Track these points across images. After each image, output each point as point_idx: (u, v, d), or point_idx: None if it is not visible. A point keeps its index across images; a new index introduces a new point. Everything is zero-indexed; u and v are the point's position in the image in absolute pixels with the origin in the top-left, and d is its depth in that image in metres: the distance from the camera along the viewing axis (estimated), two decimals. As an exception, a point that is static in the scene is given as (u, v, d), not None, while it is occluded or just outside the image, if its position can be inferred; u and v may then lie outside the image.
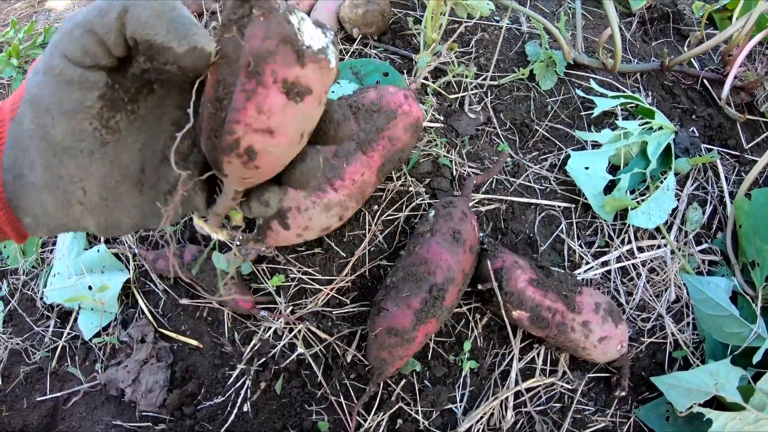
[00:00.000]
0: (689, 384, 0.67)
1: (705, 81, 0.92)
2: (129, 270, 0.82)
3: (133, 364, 0.77)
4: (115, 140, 0.35)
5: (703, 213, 0.81)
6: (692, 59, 0.94)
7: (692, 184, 0.82)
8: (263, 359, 0.72)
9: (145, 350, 0.78)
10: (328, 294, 0.71)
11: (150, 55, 0.31)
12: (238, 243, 0.63)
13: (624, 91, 0.86)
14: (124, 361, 0.78)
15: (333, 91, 0.81)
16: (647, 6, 0.97)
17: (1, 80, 1.23)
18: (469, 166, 0.76)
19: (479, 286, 0.66)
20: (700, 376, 0.67)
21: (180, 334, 0.78)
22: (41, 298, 0.83)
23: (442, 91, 0.81)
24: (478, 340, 0.70)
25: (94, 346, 0.79)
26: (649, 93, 0.88)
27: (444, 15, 0.78)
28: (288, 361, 0.70)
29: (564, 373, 0.69)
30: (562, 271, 0.71)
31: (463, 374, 0.68)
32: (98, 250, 0.80)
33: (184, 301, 0.77)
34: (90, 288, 0.80)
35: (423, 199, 0.73)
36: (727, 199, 0.83)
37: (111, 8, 0.31)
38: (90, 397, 0.78)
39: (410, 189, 0.74)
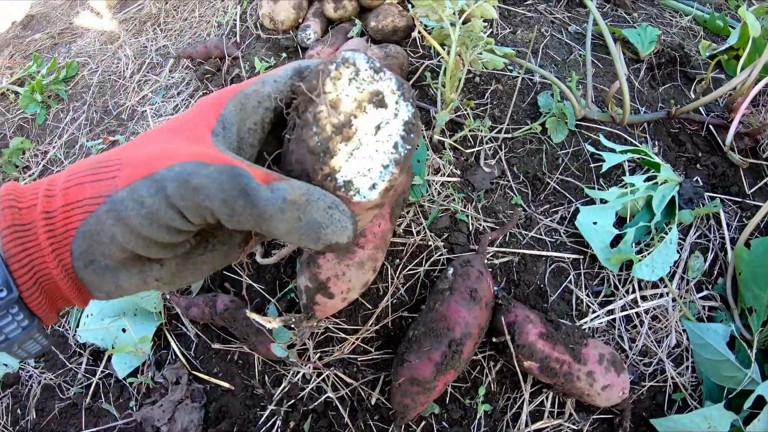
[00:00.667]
0: (685, 427, 0.73)
1: (710, 126, 0.96)
2: (161, 314, 0.88)
3: (168, 404, 0.83)
4: (187, 258, 0.41)
5: (705, 260, 0.86)
6: (698, 104, 0.97)
7: (695, 233, 0.87)
8: (292, 401, 0.78)
9: (180, 391, 0.84)
10: (353, 343, 0.77)
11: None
12: (292, 326, 0.69)
13: (632, 142, 0.90)
14: (159, 400, 0.84)
15: None
16: (655, 51, 1.00)
17: (24, 115, 1.28)
18: (485, 221, 0.81)
19: (494, 339, 0.72)
20: (695, 420, 0.73)
21: (212, 376, 0.85)
22: (73, 336, 0.89)
23: (459, 146, 0.86)
24: (492, 385, 0.76)
25: (128, 384, 0.86)
26: (656, 142, 0.92)
27: (462, 75, 0.82)
28: (316, 403, 0.77)
29: (570, 414, 0.75)
30: (570, 323, 0.76)
31: (478, 416, 0.75)
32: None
33: (216, 346, 0.83)
34: (124, 330, 0.86)
35: (441, 254, 0.79)
36: (728, 245, 0.87)
37: (243, 212, 0.34)
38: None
39: (429, 243, 0.79)
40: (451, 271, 0.71)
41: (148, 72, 1.21)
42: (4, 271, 0.34)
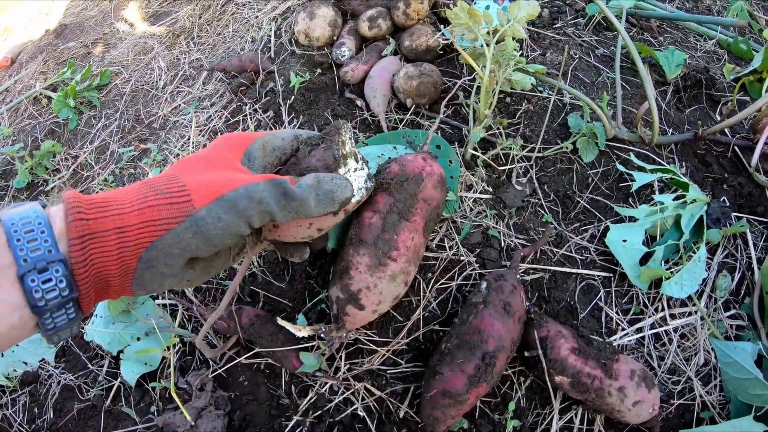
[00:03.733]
0: None
1: (736, 148, 0.98)
2: (183, 322, 0.88)
3: (191, 410, 0.83)
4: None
5: (732, 279, 0.87)
6: (724, 127, 0.99)
7: (722, 253, 0.88)
8: (318, 412, 0.79)
9: (204, 398, 0.84)
10: (384, 355, 0.78)
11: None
12: (322, 335, 0.70)
13: (660, 163, 0.92)
14: (179, 408, 0.84)
15: (382, 154, 0.87)
16: (681, 74, 1.02)
17: (56, 120, 1.31)
18: (516, 237, 0.83)
19: (525, 353, 0.73)
20: (724, 430, 0.74)
21: (238, 384, 0.85)
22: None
23: (492, 163, 0.88)
24: (521, 401, 0.77)
25: (150, 389, 0.86)
26: (683, 163, 0.94)
27: (495, 92, 0.84)
28: (343, 415, 0.78)
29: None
30: (601, 339, 0.77)
31: (507, 430, 0.75)
32: (143, 302, 0.86)
33: (242, 359, 0.84)
34: (138, 339, 0.86)
35: (474, 269, 0.80)
36: (755, 265, 0.88)
37: (288, 205, 0.51)
38: (144, 436, 0.84)
39: (462, 258, 0.81)
40: (484, 285, 0.72)
41: (180, 83, 1.24)
42: (69, 275, 0.41)
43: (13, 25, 1.86)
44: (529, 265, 0.82)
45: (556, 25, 1.12)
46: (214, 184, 0.48)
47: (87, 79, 1.33)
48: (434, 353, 0.71)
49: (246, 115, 1.05)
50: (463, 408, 0.69)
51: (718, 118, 1.02)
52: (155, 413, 0.86)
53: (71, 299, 0.42)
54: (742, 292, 0.88)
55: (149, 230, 0.44)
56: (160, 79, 1.28)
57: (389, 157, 0.88)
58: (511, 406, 0.75)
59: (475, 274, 0.80)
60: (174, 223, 0.45)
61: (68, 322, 0.43)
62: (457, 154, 0.87)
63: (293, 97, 1.00)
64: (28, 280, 0.39)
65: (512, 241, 0.83)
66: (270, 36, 1.17)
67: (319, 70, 1.06)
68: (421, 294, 0.80)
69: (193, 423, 0.83)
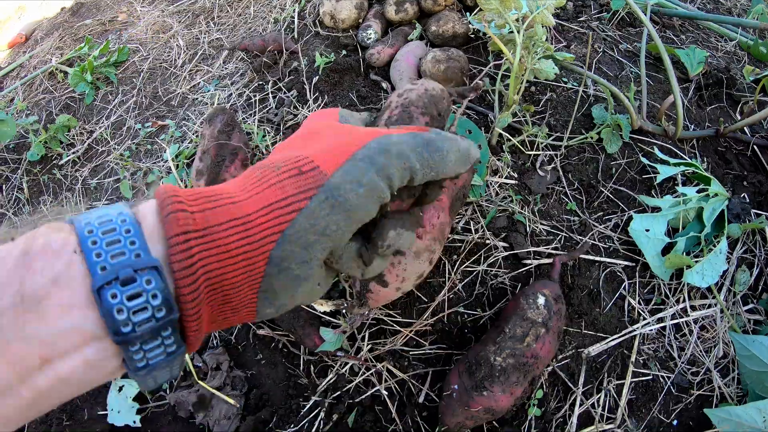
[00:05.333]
0: (739, 418, 0.73)
1: (755, 147, 0.99)
2: None
3: (205, 389, 0.81)
4: None
5: (751, 274, 0.88)
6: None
7: (741, 248, 0.89)
8: (338, 393, 0.78)
9: (220, 377, 0.83)
10: (407, 335, 0.78)
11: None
12: (344, 311, 0.69)
13: (682, 157, 0.92)
14: (196, 384, 0.82)
15: None
16: (703, 72, 1.03)
17: (72, 94, 1.30)
18: (541, 223, 0.83)
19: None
20: (749, 412, 0.74)
21: (255, 363, 0.84)
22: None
23: (520, 147, 0.88)
24: (544, 386, 0.76)
25: None
26: (704, 159, 0.94)
27: (523, 78, 0.84)
28: (363, 396, 0.77)
29: (623, 420, 0.76)
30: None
31: (529, 418, 0.75)
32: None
33: (262, 332, 0.83)
34: None
35: (500, 253, 0.80)
36: (772, 262, 0.89)
37: (437, 164, 0.41)
38: (156, 416, 0.83)
39: (488, 242, 0.80)
40: (542, 301, 0.69)
41: (200, 62, 1.23)
42: (165, 286, 0.29)
43: (26, 5, 1.84)
44: (554, 251, 0.82)
45: (581, 19, 1.12)
46: (338, 144, 0.38)
47: (104, 55, 1.32)
48: (476, 359, 0.68)
49: (268, 94, 1.04)
50: (494, 417, 0.69)
51: (738, 117, 1.03)
52: (167, 390, 0.85)
53: (169, 323, 0.30)
54: (760, 287, 0.89)
55: (276, 215, 0.34)
56: (178, 58, 1.28)
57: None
58: (539, 393, 0.75)
59: (501, 259, 0.80)
60: (305, 199, 0.34)
61: (166, 359, 0.31)
62: (486, 140, 0.87)
63: (317, 77, 1.00)
64: (108, 296, 0.27)
65: (537, 227, 0.83)
66: (293, 17, 1.17)
67: (344, 52, 1.05)
68: (447, 276, 0.80)
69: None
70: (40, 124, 1.23)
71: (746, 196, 0.93)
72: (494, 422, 0.74)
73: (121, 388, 0.84)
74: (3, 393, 0.26)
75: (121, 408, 0.81)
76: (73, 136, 1.21)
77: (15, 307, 0.26)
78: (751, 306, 0.86)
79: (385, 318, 0.79)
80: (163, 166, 1.05)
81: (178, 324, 0.31)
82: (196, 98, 1.15)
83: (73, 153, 1.17)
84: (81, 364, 0.28)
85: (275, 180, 0.36)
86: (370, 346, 0.78)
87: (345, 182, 0.35)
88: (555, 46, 1.05)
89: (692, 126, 0.99)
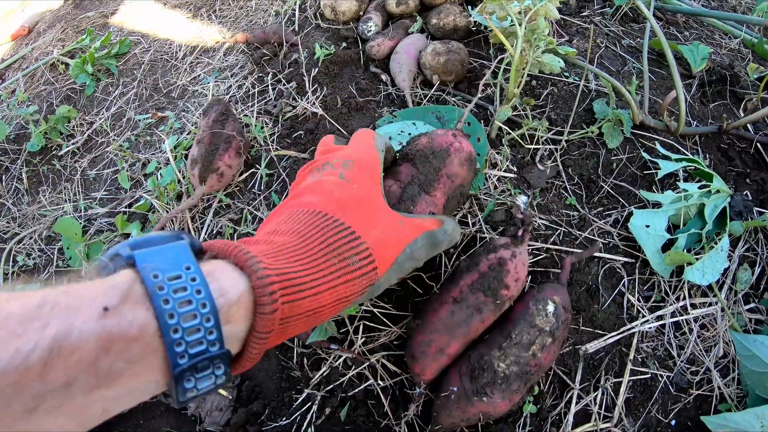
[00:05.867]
0: (737, 424, 0.72)
1: (758, 144, 0.97)
2: None
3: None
4: None
5: (752, 273, 0.86)
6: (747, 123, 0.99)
7: (743, 246, 0.87)
8: (331, 386, 0.77)
9: (212, 369, 0.83)
10: (396, 332, 0.77)
11: None
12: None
13: (684, 153, 0.91)
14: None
15: (401, 131, 0.87)
16: (706, 68, 1.02)
17: (72, 86, 1.30)
18: (540, 218, 0.82)
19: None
20: (747, 418, 0.72)
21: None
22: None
23: (520, 140, 0.87)
24: (541, 384, 0.75)
25: None
26: (707, 155, 0.93)
27: (524, 71, 0.83)
28: (356, 390, 0.76)
29: (620, 420, 0.74)
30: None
31: (524, 415, 0.74)
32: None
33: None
34: None
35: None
36: (775, 261, 0.88)
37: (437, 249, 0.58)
38: (148, 407, 0.83)
39: (485, 236, 0.79)
40: (552, 308, 0.67)
41: (201, 54, 1.23)
42: (229, 369, 0.32)
43: (30, -4, 1.84)
44: (552, 246, 0.81)
45: (583, 14, 1.11)
46: (388, 246, 0.46)
47: (106, 47, 1.32)
48: (481, 364, 0.66)
49: (267, 86, 1.04)
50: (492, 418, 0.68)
51: (742, 115, 1.02)
52: (160, 381, 0.84)
53: (223, 356, 0.31)
54: (762, 286, 0.87)
55: (339, 307, 0.40)
56: (179, 50, 1.27)
57: (409, 133, 0.88)
58: (535, 389, 0.74)
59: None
60: (360, 295, 0.42)
61: (213, 385, 0.32)
62: (485, 133, 0.86)
63: (317, 69, 1.00)
64: (184, 383, 0.29)
65: (536, 222, 0.82)
66: (294, 10, 1.16)
67: (344, 44, 1.05)
68: (442, 269, 0.79)
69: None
70: (41, 115, 1.23)
71: (749, 193, 0.92)
72: (489, 420, 0.73)
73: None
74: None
75: None
76: (73, 127, 1.21)
77: (89, 380, 0.27)
78: (752, 305, 0.85)
79: (378, 312, 0.78)
80: (161, 157, 1.04)
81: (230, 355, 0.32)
82: (196, 90, 1.15)
83: (73, 144, 1.17)
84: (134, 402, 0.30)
85: (350, 276, 0.40)
86: (363, 339, 0.77)
87: (384, 283, 0.48)
88: (557, 41, 1.04)
89: (695, 122, 0.98)
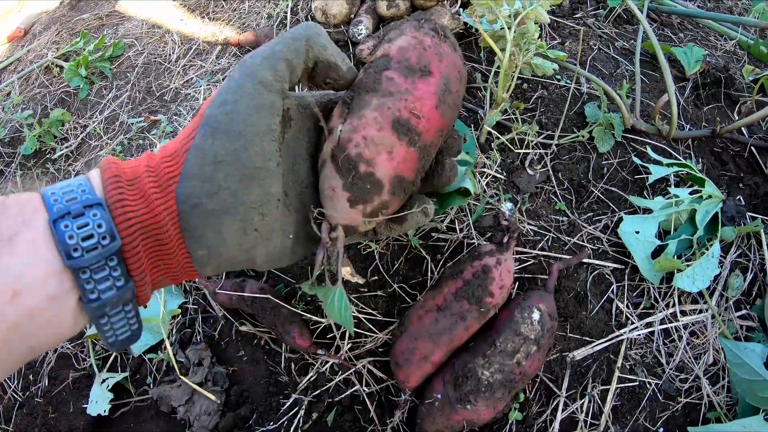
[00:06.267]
0: None
1: (752, 148, 0.96)
2: (184, 293, 0.87)
3: (187, 385, 0.81)
4: (281, 161, 0.41)
5: (744, 280, 0.86)
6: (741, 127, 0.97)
7: (735, 252, 0.87)
8: (318, 391, 0.77)
9: (201, 373, 0.83)
10: (382, 339, 0.77)
11: (324, 72, 0.42)
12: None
13: (676, 157, 0.90)
14: (178, 380, 0.82)
15: None
16: (701, 71, 1.01)
17: (66, 89, 1.30)
18: (528, 223, 0.81)
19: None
20: (734, 429, 0.72)
21: (237, 359, 0.83)
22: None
23: (509, 145, 0.86)
24: (527, 390, 0.75)
25: (147, 360, 0.85)
26: (700, 159, 0.92)
27: (514, 76, 0.83)
28: (342, 396, 0.76)
29: (607, 427, 0.74)
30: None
31: (509, 422, 0.74)
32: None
33: (244, 329, 0.83)
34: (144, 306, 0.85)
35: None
36: None
37: (297, 39, 0.40)
38: (139, 410, 0.83)
39: (473, 241, 0.79)
40: (537, 316, 0.67)
41: (194, 57, 1.23)
42: (109, 217, 0.34)
43: (28, -3, 1.85)
44: (541, 252, 0.80)
45: (576, 15, 1.10)
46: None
47: (100, 50, 1.32)
48: (465, 372, 0.66)
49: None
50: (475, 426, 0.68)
51: (736, 118, 1.01)
52: (150, 385, 0.85)
53: (113, 251, 0.33)
54: (754, 293, 0.86)
55: (174, 160, 0.37)
56: (173, 52, 1.28)
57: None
58: (521, 397, 0.74)
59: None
60: (191, 138, 0.37)
61: (116, 293, 0.34)
62: (473, 135, 0.86)
63: (307, 73, 0.99)
64: (61, 226, 0.32)
65: (525, 227, 0.81)
66: (286, 12, 1.16)
67: (334, 48, 1.04)
68: (429, 275, 0.79)
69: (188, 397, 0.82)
70: (35, 119, 1.23)
71: (742, 198, 0.91)
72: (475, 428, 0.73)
73: (104, 381, 0.84)
74: None
75: (99, 398, 0.82)
76: (67, 130, 1.22)
77: None
78: (744, 312, 0.84)
79: (364, 318, 0.78)
80: (152, 160, 1.04)
81: (123, 258, 0.35)
82: (189, 93, 1.15)
83: (67, 147, 1.18)
84: (45, 297, 0.32)
85: (179, 134, 0.40)
86: (350, 345, 0.77)
87: (214, 109, 0.37)
88: (549, 43, 1.03)
89: (688, 126, 0.97)
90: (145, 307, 0.40)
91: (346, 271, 0.56)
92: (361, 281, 0.60)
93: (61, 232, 0.32)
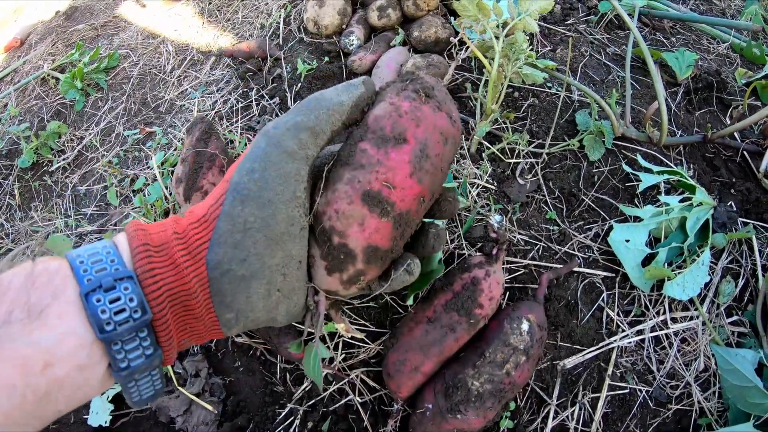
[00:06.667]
0: None
1: (745, 153, 0.96)
2: None
3: (185, 396, 0.83)
4: (305, 225, 0.42)
5: (736, 285, 0.86)
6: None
7: (727, 258, 0.87)
8: (313, 401, 0.79)
9: (198, 384, 0.84)
10: (376, 349, 0.78)
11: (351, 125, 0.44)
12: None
13: (667, 164, 0.91)
14: (176, 390, 0.84)
15: None
16: (692, 75, 1.01)
17: (62, 101, 1.31)
18: (519, 233, 0.82)
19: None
20: None
21: (233, 370, 0.84)
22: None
23: (500, 155, 0.87)
24: (518, 399, 0.76)
25: None
26: (691, 165, 0.92)
27: (503, 87, 0.83)
28: (337, 405, 0.77)
29: (597, 434, 0.75)
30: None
31: (501, 430, 0.74)
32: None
33: (240, 340, 0.84)
34: None
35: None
36: (759, 272, 0.87)
37: (319, 108, 0.41)
38: (138, 420, 0.85)
39: (464, 252, 0.80)
40: (526, 326, 0.68)
41: (188, 68, 1.24)
42: (140, 291, 0.35)
43: (24, 6, 1.86)
44: (531, 262, 0.81)
45: (568, 22, 1.10)
46: (242, 154, 0.42)
47: (95, 61, 1.33)
48: (455, 383, 0.67)
49: (251, 101, 1.04)
50: None
51: (728, 122, 1.01)
52: (149, 396, 0.86)
53: (144, 323, 0.35)
54: (746, 298, 0.87)
55: (203, 226, 0.38)
56: (168, 63, 1.28)
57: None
58: (512, 405, 0.74)
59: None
60: (220, 206, 0.38)
61: (145, 361, 0.35)
62: (462, 147, 0.86)
63: (300, 84, 1.00)
64: (93, 300, 0.33)
65: (515, 237, 0.82)
66: (279, 23, 1.16)
67: (326, 59, 1.05)
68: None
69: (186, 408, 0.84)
70: (32, 131, 1.24)
71: (733, 204, 0.91)
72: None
73: (104, 392, 0.86)
74: (9, 393, 0.30)
75: (99, 409, 0.83)
76: (64, 142, 1.23)
77: (23, 318, 0.32)
78: (735, 318, 0.85)
79: (358, 327, 0.79)
80: (149, 173, 1.05)
81: (152, 327, 0.36)
82: (183, 105, 1.15)
83: (63, 159, 1.19)
84: (74, 367, 0.32)
85: (201, 202, 0.41)
86: (343, 356, 0.78)
87: (242, 177, 0.39)
88: (540, 51, 1.03)
89: (680, 131, 0.97)
90: (172, 366, 0.42)
91: (342, 328, 0.58)
92: (358, 335, 0.62)
93: (94, 306, 0.33)
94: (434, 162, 0.44)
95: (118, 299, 0.34)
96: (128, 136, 1.16)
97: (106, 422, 0.83)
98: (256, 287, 0.38)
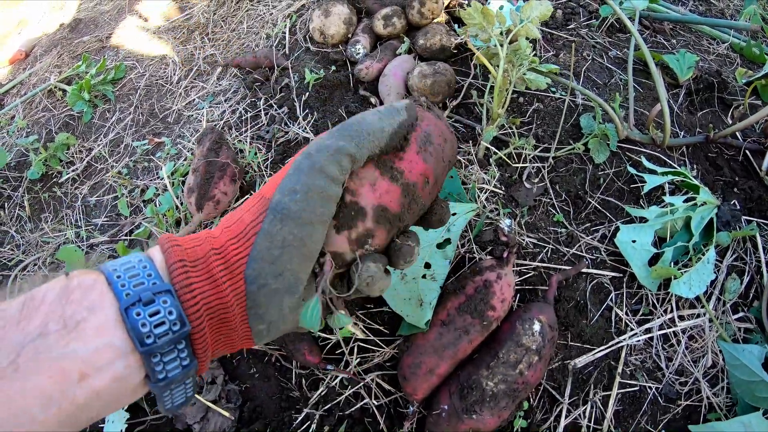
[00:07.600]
0: None
1: (747, 152, 0.98)
2: None
3: (202, 403, 0.84)
4: None
5: (741, 282, 0.88)
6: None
7: (731, 255, 0.89)
8: (329, 405, 0.80)
9: (215, 391, 0.85)
10: (390, 353, 0.79)
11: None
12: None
13: (671, 165, 0.92)
14: (192, 398, 0.85)
15: None
16: (693, 77, 1.02)
17: (70, 113, 1.33)
18: (528, 236, 0.84)
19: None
20: (734, 427, 0.74)
21: (248, 376, 0.86)
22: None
23: (507, 160, 0.88)
24: (531, 398, 0.77)
25: None
26: (694, 166, 0.94)
27: (508, 92, 0.85)
28: (353, 409, 0.78)
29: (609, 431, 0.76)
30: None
31: (515, 430, 0.76)
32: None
33: (255, 347, 0.85)
34: None
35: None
36: (764, 268, 0.89)
37: (360, 134, 0.43)
38: (155, 428, 0.85)
39: (474, 255, 0.81)
40: (538, 327, 0.69)
41: (195, 78, 1.25)
42: (178, 304, 0.36)
43: (28, 19, 1.87)
44: (541, 264, 0.82)
45: (570, 26, 1.12)
46: (280, 173, 0.44)
47: (101, 73, 1.34)
48: (470, 383, 0.68)
49: (260, 111, 1.06)
50: None
51: (730, 122, 1.03)
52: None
53: (183, 336, 0.36)
54: (751, 295, 0.88)
55: (242, 242, 0.40)
56: (174, 74, 1.30)
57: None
58: (525, 405, 0.76)
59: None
60: (259, 223, 0.40)
61: (182, 371, 0.36)
62: (470, 152, 0.88)
63: (308, 93, 1.01)
64: (133, 314, 0.34)
65: (524, 240, 0.83)
66: (285, 33, 1.18)
67: (333, 68, 1.07)
68: (433, 290, 0.81)
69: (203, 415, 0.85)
70: (40, 143, 1.26)
71: (737, 202, 0.93)
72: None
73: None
74: (47, 405, 0.31)
75: (115, 418, 0.84)
76: (73, 154, 1.24)
77: (59, 330, 0.32)
78: (741, 314, 0.86)
79: (371, 334, 0.80)
80: (159, 183, 1.07)
81: (189, 339, 0.37)
82: (191, 115, 1.17)
83: (73, 171, 1.20)
84: (111, 378, 0.33)
85: (238, 216, 0.42)
86: (358, 360, 0.80)
87: (283, 196, 0.40)
88: (543, 56, 1.05)
89: (683, 132, 0.99)
90: (202, 376, 0.44)
91: (344, 317, 0.60)
92: (360, 335, 0.64)
93: (134, 320, 0.34)
94: (436, 149, 0.49)
95: (158, 312, 0.35)
96: (137, 146, 1.17)
97: (122, 431, 0.84)
98: (287, 300, 0.40)
